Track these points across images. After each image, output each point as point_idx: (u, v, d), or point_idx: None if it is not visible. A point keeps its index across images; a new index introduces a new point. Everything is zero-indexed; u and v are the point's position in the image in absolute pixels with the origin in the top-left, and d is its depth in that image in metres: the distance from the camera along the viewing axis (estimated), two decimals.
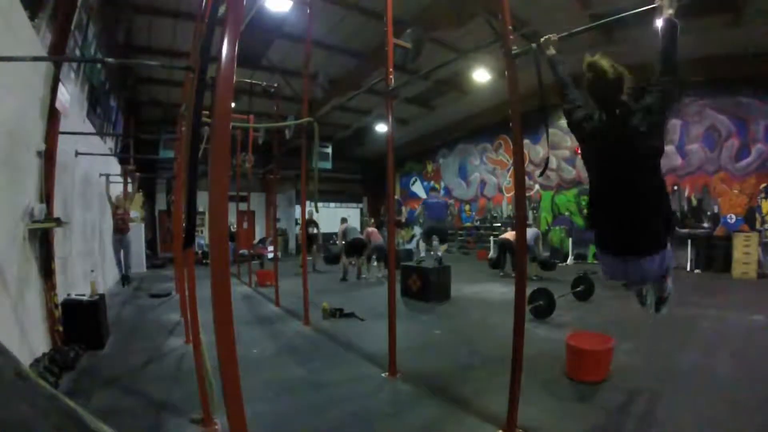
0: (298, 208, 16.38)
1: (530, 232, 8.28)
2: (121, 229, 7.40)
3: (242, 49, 1.62)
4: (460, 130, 15.02)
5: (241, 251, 11.77)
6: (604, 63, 1.88)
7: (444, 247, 7.69)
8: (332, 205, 18.08)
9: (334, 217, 13.01)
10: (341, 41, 8.93)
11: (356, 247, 8.87)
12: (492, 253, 11.06)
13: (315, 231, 10.36)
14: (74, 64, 5.09)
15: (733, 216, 9.13)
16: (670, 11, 1.86)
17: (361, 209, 19.46)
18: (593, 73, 1.90)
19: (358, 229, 10.79)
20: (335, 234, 11.04)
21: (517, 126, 2.55)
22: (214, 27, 1.84)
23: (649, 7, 1.98)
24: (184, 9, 7.08)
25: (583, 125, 2.02)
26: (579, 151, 2.16)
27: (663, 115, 1.88)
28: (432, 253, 7.53)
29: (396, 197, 11.26)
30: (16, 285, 3.02)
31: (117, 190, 8.05)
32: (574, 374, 3.22)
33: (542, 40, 2.32)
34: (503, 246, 8.95)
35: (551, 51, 2.29)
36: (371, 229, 9.28)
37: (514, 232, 8.69)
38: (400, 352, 3.47)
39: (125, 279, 7.93)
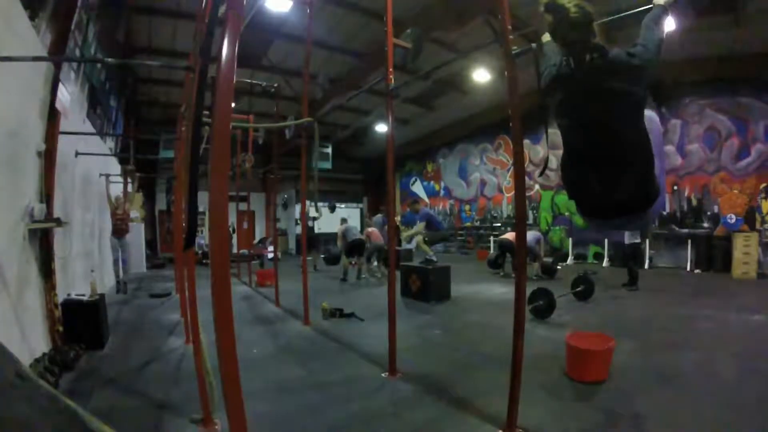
0: (297, 208, 16.39)
1: (531, 234, 8.27)
2: (119, 230, 7.29)
3: (242, 49, 1.62)
4: (460, 130, 15.03)
5: (241, 251, 11.77)
6: (565, 1, 1.62)
7: (429, 249, 7.42)
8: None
9: (334, 218, 13.00)
10: (341, 41, 8.93)
11: (356, 248, 8.87)
12: (492, 254, 11.05)
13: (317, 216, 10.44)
14: (74, 64, 5.09)
15: (733, 216, 9.13)
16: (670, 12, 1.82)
17: (361, 209, 19.47)
18: (552, 14, 1.63)
19: (358, 228, 10.80)
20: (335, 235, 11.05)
21: (517, 126, 2.55)
22: (214, 27, 1.84)
23: (649, 6, 1.98)
24: (184, 9, 7.08)
25: (547, 78, 1.77)
26: (550, 107, 1.89)
27: (646, 62, 1.63)
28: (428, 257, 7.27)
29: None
30: (16, 285, 3.02)
31: (117, 190, 8.04)
32: (574, 374, 3.21)
33: (544, 40, 2.30)
34: (503, 247, 8.96)
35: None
36: (371, 229, 9.28)
37: (514, 233, 8.68)
38: (400, 352, 3.47)
39: (120, 286, 7.37)
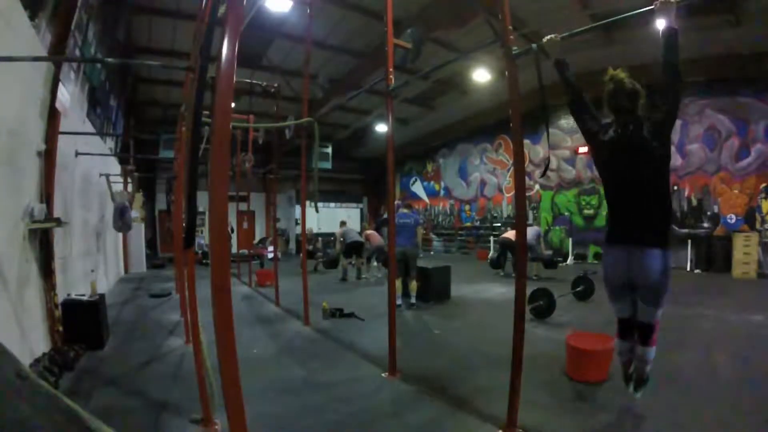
0: (298, 208, 16.39)
1: (531, 230, 8.27)
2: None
3: (242, 49, 1.62)
4: (460, 130, 15.03)
5: (241, 251, 11.77)
6: (624, 76, 2.09)
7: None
8: (332, 205, 18.09)
9: (334, 218, 13.02)
10: (341, 41, 8.93)
11: (355, 249, 8.87)
12: (493, 253, 11.07)
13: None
14: (74, 64, 5.09)
15: (733, 216, 9.13)
16: (670, 16, 1.91)
17: (361, 209, 19.47)
18: (614, 85, 2.10)
19: (358, 230, 10.81)
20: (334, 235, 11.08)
21: (517, 126, 2.55)
22: (214, 27, 1.84)
23: (649, 8, 1.98)
24: (184, 9, 7.08)
25: (599, 137, 2.19)
26: (592, 157, 2.36)
27: (668, 129, 2.08)
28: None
29: (397, 201, 11.09)
30: (16, 285, 3.02)
31: (117, 190, 8.04)
32: (574, 374, 3.22)
33: (545, 40, 2.30)
34: (504, 245, 8.96)
35: (557, 53, 2.30)
36: (370, 231, 9.30)
37: (514, 231, 8.68)
38: (400, 352, 3.47)
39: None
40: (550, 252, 9.09)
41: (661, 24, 1.98)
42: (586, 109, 2.31)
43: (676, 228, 9.77)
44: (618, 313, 2.38)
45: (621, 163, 2.10)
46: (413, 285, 6.07)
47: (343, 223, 9.77)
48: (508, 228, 11.67)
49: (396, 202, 7.71)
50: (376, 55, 8.40)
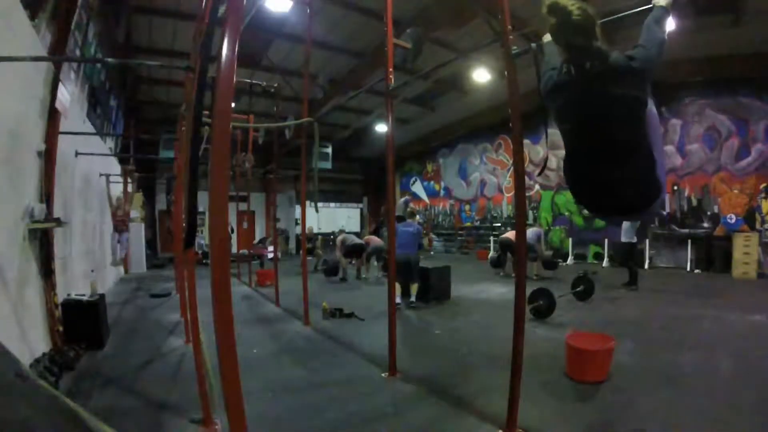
0: (298, 208, 16.39)
1: (532, 231, 8.28)
2: (119, 228, 7.39)
3: (242, 49, 1.62)
4: (460, 130, 15.02)
5: (241, 251, 11.77)
6: (568, 2, 1.57)
7: (415, 286, 6.09)
8: (332, 205, 18.09)
9: (334, 218, 13.03)
10: (341, 41, 8.92)
11: (355, 252, 8.89)
12: (493, 253, 11.06)
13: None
14: (74, 64, 5.09)
15: (733, 216, 9.13)
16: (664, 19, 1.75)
17: (361, 209, 19.47)
18: (557, 18, 1.59)
19: (356, 233, 10.83)
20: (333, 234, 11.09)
21: (517, 126, 2.55)
22: (214, 27, 1.84)
23: (649, 6, 1.98)
24: (184, 9, 7.07)
25: (549, 83, 1.77)
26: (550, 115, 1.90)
27: (646, 64, 1.61)
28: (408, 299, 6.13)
29: (406, 197, 11.03)
30: (16, 285, 3.02)
31: (117, 190, 8.04)
32: (574, 374, 3.21)
33: (544, 39, 2.30)
34: (504, 245, 8.96)
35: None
36: (369, 237, 9.36)
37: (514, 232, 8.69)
38: (400, 352, 3.47)
39: (115, 260, 7.65)
40: (550, 252, 9.10)
41: (654, 6, 1.79)
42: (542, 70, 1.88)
43: (677, 228, 9.78)
44: None
45: (581, 109, 1.68)
46: (414, 286, 6.11)
47: (341, 232, 9.85)
48: (508, 228, 11.68)
49: (405, 198, 7.67)
50: (376, 55, 8.40)
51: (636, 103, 1.62)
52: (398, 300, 5.75)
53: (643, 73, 1.61)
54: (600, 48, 1.61)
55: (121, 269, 8.23)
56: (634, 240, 7.39)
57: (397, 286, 5.65)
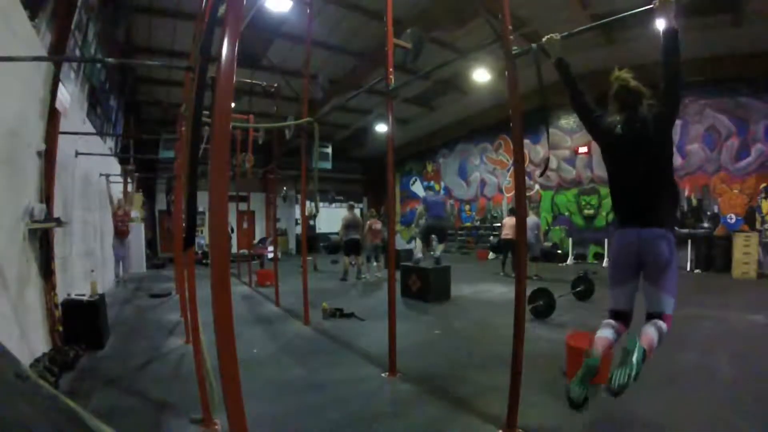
0: (297, 208, 16.39)
1: (529, 221, 8.27)
2: (120, 232, 7.42)
3: (242, 49, 1.62)
4: (460, 130, 15.03)
5: (241, 251, 11.77)
6: (629, 76, 2.24)
7: (442, 246, 7.47)
8: (332, 205, 18.08)
9: (334, 218, 12.98)
10: (341, 41, 8.93)
11: (352, 247, 8.87)
12: (493, 239, 11.00)
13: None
14: (74, 64, 5.09)
15: (733, 216, 9.13)
16: (669, 16, 1.95)
17: (362, 209, 19.48)
18: (619, 83, 2.24)
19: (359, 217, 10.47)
20: (332, 235, 10.98)
21: (517, 126, 2.55)
22: (214, 27, 1.84)
23: (649, 6, 1.98)
24: (184, 9, 7.08)
25: (605, 134, 2.31)
26: (601, 153, 2.40)
27: (669, 126, 2.20)
28: (432, 253, 7.44)
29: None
30: (16, 285, 3.02)
31: (117, 190, 8.04)
32: (574, 374, 3.21)
33: (545, 39, 2.32)
34: (504, 245, 8.96)
35: (557, 52, 2.33)
36: (371, 222, 9.13)
37: (511, 218, 8.71)
38: (400, 352, 3.47)
39: (119, 282, 7.99)
40: (548, 244, 9.03)
41: (661, 24, 2.00)
42: (588, 106, 2.38)
43: (677, 228, 9.77)
44: (614, 302, 2.37)
45: (629, 158, 2.20)
46: (441, 246, 7.40)
47: (351, 207, 9.35)
48: (505, 215, 11.52)
49: (432, 197, 8.08)
50: (376, 55, 8.40)
51: (666, 150, 2.20)
52: (419, 255, 7.13)
53: (668, 130, 2.19)
54: (642, 112, 2.19)
55: (121, 272, 8.22)
56: None
57: (419, 243, 7.36)
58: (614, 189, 2.35)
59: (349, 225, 8.85)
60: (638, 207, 2.22)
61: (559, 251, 9.08)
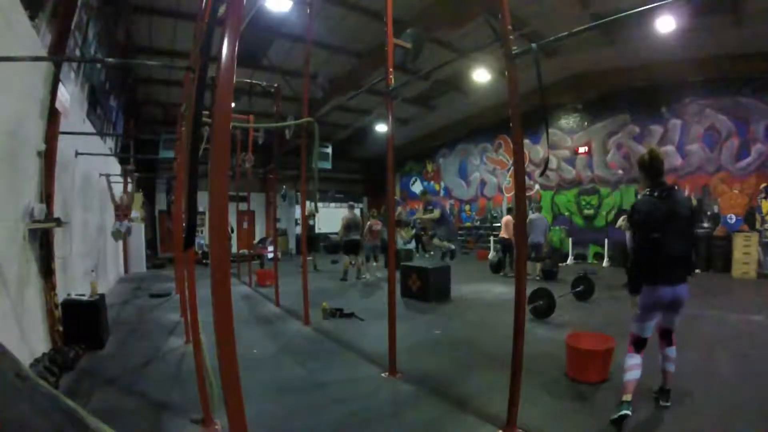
0: (297, 208, 16.38)
1: (542, 222, 8.42)
2: (120, 216, 7.34)
3: (242, 49, 1.62)
4: (460, 130, 15.02)
5: (241, 251, 11.77)
6: (660, 152, 2.77)
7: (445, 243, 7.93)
8: (332, 205, 18.07)
9: (334, 218, 12.97)
10: (341, 41, 8.92)
11: (351, 248, 8.87)
12: (492, 255, 11.03)
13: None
14: (74, 64, 5.09)
15: (733, 216, 9.13)
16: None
17: (362, 209, 19.47)
18: (653, 157, 2.66)
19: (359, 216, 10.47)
20: (332, 234, 10.96)
21: (517, 126, 2.55)
22: (214, 27, 1.84)
23: (649, 6, 1.98)
24: (184, 9, 7.07)
25: (648, 214, 2.62)
26: (630, 222, 2.77)
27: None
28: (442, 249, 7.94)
29: (396, 197, 11.13)
30: (16, 285, 3.02)
31: (117, 190, 8.03)
32: (574, 374, 3.22)
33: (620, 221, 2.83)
34: (504, 246, 8.95)
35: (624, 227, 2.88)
36: (372, 222, 9.16)
37: (509, 218, 8.74)
38: (400, 352, 3.47)
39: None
40: (549, 256, 8.99)
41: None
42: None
43: None
44: (644, 333, 2.68)
45: (669, 219, 2.56)
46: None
47: (351, 207, 9.30)
48: (505, 212, 11.49)
49: (435, 201, 8.41)
50: (376, 55, 8.39)
51: (692, 215, 2.69)
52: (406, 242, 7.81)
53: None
54: (669, 186, 2.66)
55: (121, 269, 8.21)
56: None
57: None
58: (652, 249, 2.59)
59: (349, 225, 8.85)
60: (677, 263, 2.59)
61: (560, 265, 9.14)
